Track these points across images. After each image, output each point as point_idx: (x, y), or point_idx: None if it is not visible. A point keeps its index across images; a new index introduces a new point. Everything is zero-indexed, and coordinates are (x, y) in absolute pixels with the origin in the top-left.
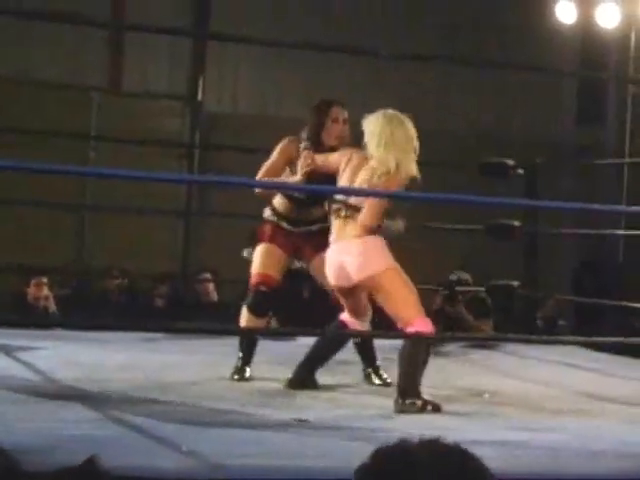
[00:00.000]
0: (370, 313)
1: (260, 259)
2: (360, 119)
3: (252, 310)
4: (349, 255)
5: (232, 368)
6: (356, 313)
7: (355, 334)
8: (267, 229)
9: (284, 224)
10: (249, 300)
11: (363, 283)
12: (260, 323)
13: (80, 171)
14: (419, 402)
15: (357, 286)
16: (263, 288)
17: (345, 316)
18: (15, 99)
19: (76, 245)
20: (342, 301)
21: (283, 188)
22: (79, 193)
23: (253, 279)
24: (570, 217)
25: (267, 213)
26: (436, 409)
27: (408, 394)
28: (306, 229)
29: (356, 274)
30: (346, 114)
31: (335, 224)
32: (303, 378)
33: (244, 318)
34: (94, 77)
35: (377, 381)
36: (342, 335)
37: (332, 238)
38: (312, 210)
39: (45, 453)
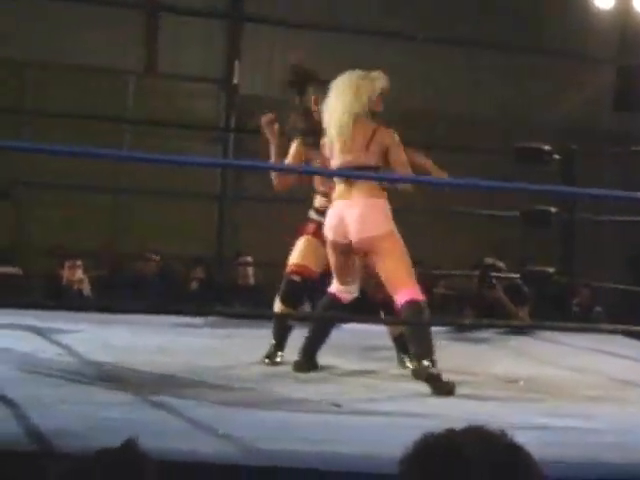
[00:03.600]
0: (358, 282)
1: (299, 250)
2: (395, 102)
3: (283, 300)
4: (352, 214)
5: (265, 352)
6: (344, 276)
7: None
8: (311, 227)
9: None
10: (281, 289)
11: (360, 244)
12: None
13: (115, 155)
14: (435, 370)
15: (352, 247)
16: (296, 278)
17: (334, 287)
18: (51, 83)
19: (111, 228)
20: (332, 260)
21: (316, 173)
22: (114, 176)
23: (288, 268)
24: (608, 203)
25: (312, 214)
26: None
27: (423, 356)
28: None
29: (356, 234)
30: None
31: (339, 188)
32: (306, 362)
33: (277, 307)
34: (129, 60)
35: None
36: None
37: (334, 197)
38: None
39: (82, 436)
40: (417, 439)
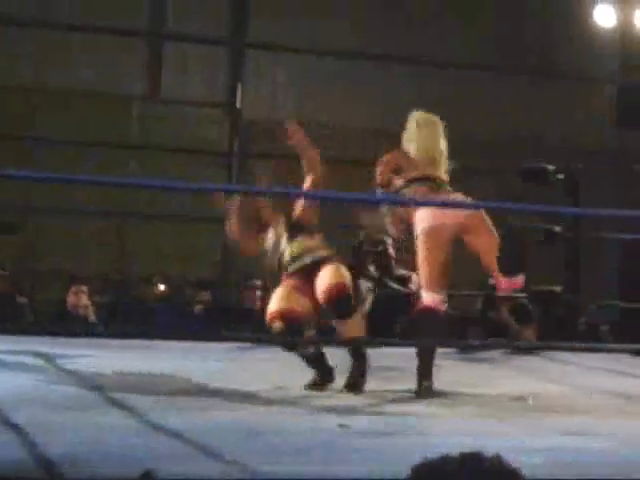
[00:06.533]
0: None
1: (277, 296)
2: (399, 125)
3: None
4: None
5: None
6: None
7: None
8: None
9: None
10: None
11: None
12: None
13: (118, 182)
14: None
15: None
16: (277, 325)
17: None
18: (55, 109)
19: (117, 253)
20: (438, 256)
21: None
22: (120, 200)
23: (268, 317)
24: (613, 222)
25: None
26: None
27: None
28: (300, 265)
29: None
30: None
31: None
32: None
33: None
34: (133, 86)
35: None
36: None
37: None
38: (301, 241)
39: (89, 462)
40: (413, 466)
